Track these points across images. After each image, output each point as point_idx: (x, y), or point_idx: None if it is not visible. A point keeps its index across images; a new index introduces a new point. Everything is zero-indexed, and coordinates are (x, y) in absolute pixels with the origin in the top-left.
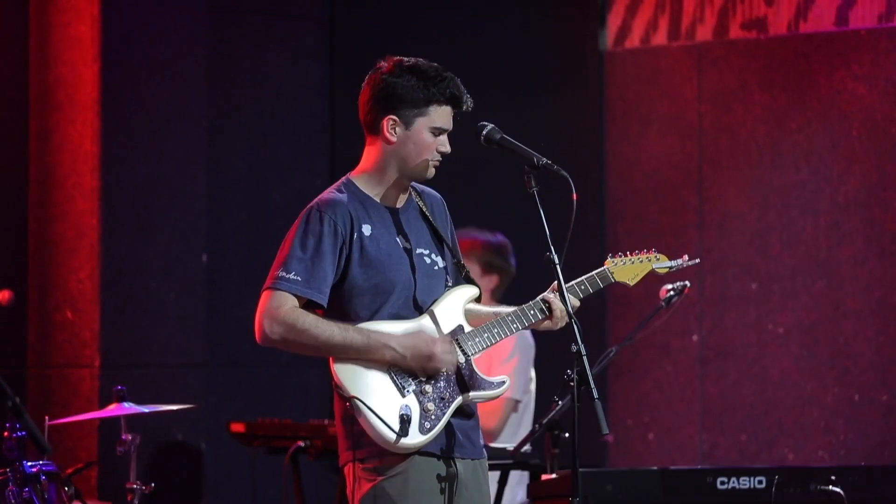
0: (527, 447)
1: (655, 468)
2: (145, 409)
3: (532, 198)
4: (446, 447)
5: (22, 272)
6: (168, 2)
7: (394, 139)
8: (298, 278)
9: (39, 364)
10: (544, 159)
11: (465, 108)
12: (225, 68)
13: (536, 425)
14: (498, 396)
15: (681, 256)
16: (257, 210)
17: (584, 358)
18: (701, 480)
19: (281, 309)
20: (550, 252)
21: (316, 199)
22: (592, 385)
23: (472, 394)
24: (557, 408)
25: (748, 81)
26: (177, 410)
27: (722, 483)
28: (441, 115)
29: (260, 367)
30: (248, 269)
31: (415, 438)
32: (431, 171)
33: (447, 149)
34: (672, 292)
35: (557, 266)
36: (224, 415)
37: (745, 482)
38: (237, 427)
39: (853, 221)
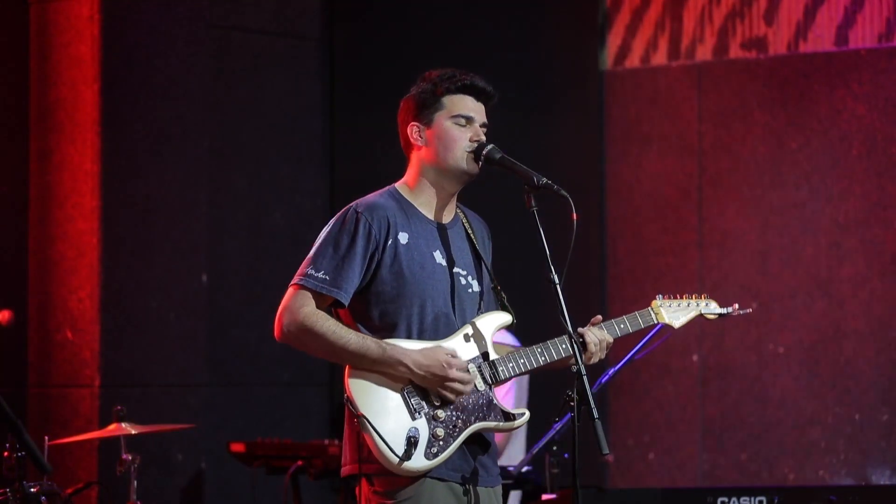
0: (527, 467)
1: (656, 488)
2: (145, 429)
3: (532, 217)
4: (461, 474)
5: (22, 292)
6: (168, 22)
7: (421, 143)
8: (326, 277)
9: (39, 384)
10: (544, 179)
11: (485, 94)
12: (225, 88)
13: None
14: (515, 429)
15: (731, 305)
16: (257, 230)
17: (584, 377)
18: (701, 500)
19: (302, 309)
20: (551, 272)
21: (356, 200)
22: (592, 404)
23: (486, 423)
24: (557, 427)
25: (748, 101)
26: (177, 430)
27: (722, 503)
28: (458, 103)
29: (260, 386)
30: (249, 288)
31: (418, 463)
32: (470, 163)
33: (481, 137)
34: None
35: (558, 286)
36: (224, 434)
37: (745, 502)
38: (237, 447)
39: (853, 241)
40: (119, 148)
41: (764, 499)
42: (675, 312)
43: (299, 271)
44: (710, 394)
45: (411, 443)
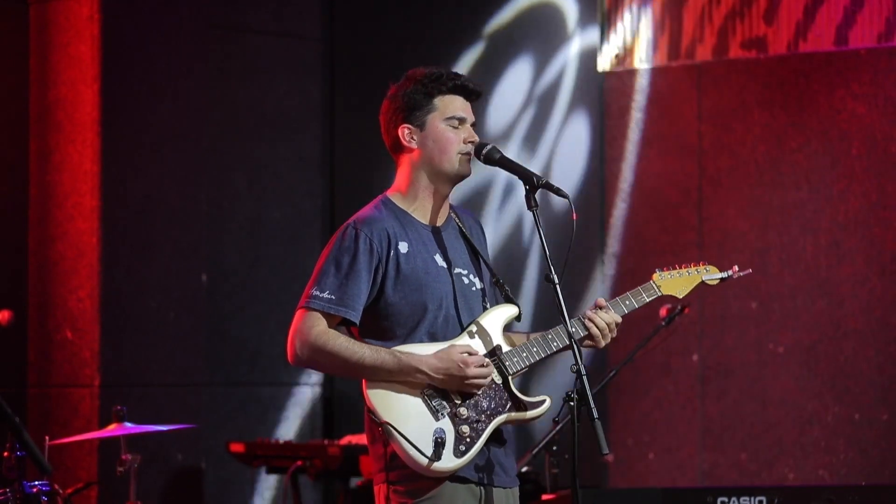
0: (527, 466)
1: (656, 488)
2: (145, 428)
3: (532, 217)
4: (480, 474)
5: (22, 292)
6: (168, 21)
7: (414, 145)
8: (332, 297)
9: (39, 384)
10: (544, 178)
11: (474, 93)
12: (224, 88)
13: (536, 445)
14: (538, 417)
15: (731, 268)
16: (257, 230)
17: (584, 377)
18: (701, 500)
19: (313, 330)
20: (550, 272)
21: (353, 217)
22: (592, 405)
23: (509, 415)
24: (557, 427)
25: (748, 101)
26: (176, 430)
27: (722, 502)
28: (451, 104)
29: (260, 386)
30: (248, 288)
31: (449, 462)
32: (464, 165)
33: (475, 137)
34: (672, 311)
35: (557, 286)
36: (224, 434)
37: (745, 502)
38: (237, 447)
39: (853, 240)
40: (119, 148)
41: (764, 499)
42: (676, 283)
43: (304, 294)
44: (709, 393)
45: (439, 444)
